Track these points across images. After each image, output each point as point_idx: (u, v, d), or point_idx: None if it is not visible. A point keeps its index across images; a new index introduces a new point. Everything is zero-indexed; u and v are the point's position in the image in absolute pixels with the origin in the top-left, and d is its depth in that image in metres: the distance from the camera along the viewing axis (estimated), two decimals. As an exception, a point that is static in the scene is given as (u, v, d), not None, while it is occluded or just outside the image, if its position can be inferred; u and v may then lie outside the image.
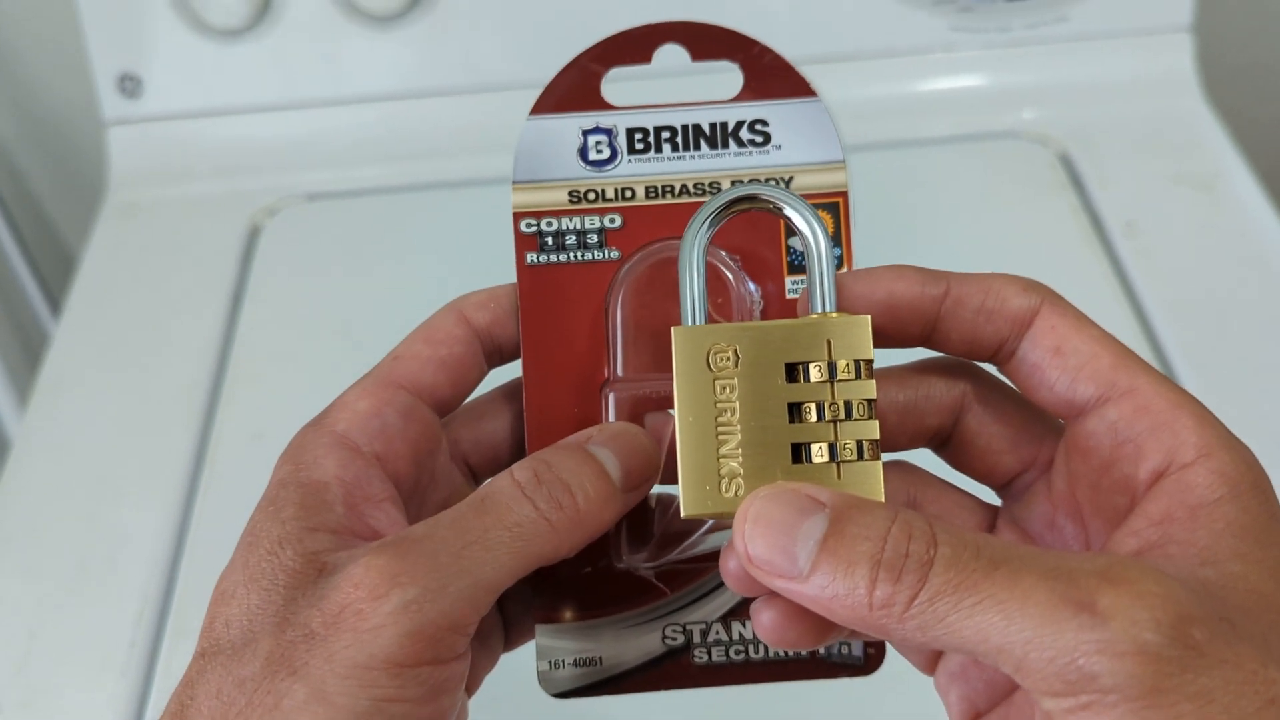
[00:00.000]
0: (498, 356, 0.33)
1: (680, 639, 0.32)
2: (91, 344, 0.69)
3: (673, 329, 0.28)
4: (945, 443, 0.32)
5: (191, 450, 0.62)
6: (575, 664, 0.32)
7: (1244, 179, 0.71)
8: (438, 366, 0.32)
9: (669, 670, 0.32)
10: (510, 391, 0.34)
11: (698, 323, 0.29)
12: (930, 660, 0.31)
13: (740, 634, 0.32)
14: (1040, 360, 0.29)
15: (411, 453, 0.31)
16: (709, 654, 0.32)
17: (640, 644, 0.32)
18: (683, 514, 0.28)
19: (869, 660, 0.32)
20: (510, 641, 0.33)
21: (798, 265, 0.33)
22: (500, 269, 0.72)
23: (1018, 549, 0.24)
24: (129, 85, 0.77)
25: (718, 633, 0.32)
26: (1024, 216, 0.70)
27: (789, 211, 0.29)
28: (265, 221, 0.75)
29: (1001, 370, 0.30)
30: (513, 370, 0.34)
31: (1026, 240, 0.69)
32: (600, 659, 0.32)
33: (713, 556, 0.32)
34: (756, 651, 0.32)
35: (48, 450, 0.64)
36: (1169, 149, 0.73)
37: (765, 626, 0.28)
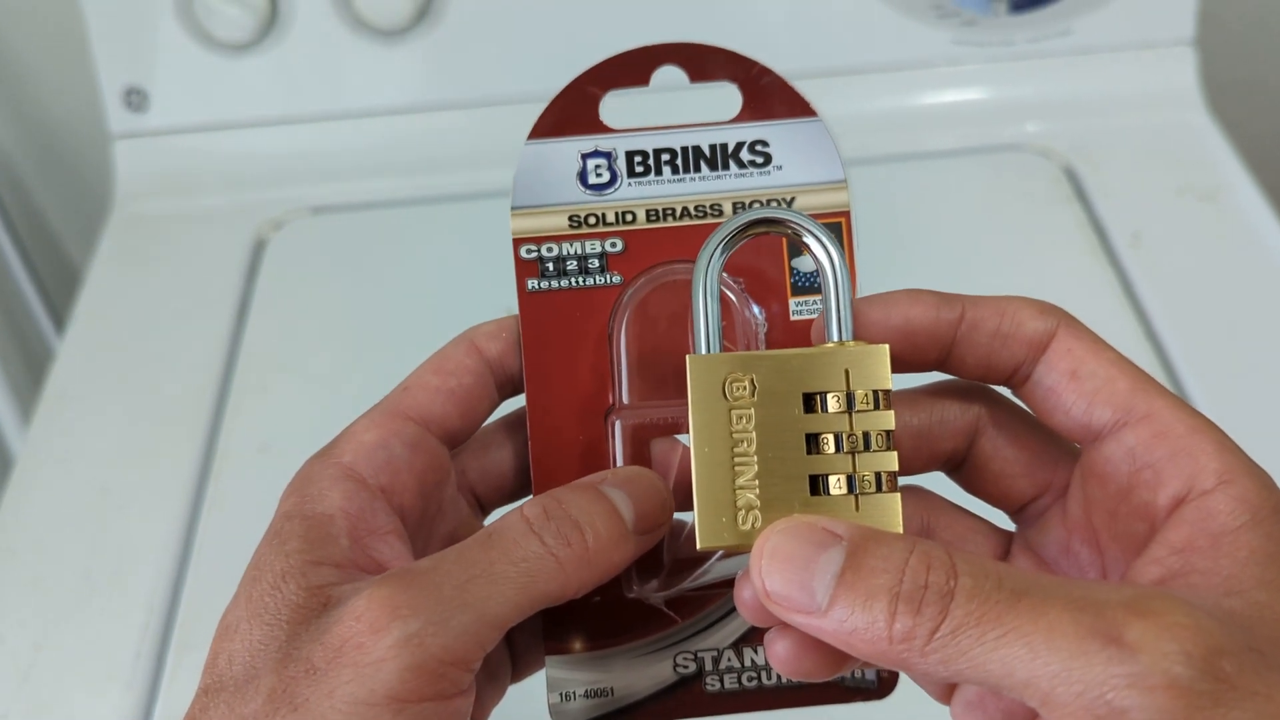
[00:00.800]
0: (510, 387, 0.33)
1: (692, 667, 0.32)
2: (96, 357, 0.69)
3: (688, 357, 0.28)
4: (959, 466, 0.31)
5: (197, 463, 0.62)
6: (586, 695, 0.32)
7: (1247, 190, 0.71)
8: (447, 397, 0.31)
9: (681, 699, 0.32)
10: (516, 421, 0.33)
11: (713, 351, 0.29)
12: (946, 690, 0.31)
13: (752, 660, 0.32)
14: (1056, 384, 0.28)
15: (418, 485, 0.30)
16: (721, 681, 0.32)
17: (652, 673, 0.32)
18: (698, 547, 0.27)
19: (883, 684, 0.32)
20: (518, 673, 0.32)
21: (802, 286, 0.33)
22: (505, 284, 0.72)
23: (1040, 579, 0.24)
24: (135, 99, 0.77)
25: (729, 660, 0.32)
26: (1028, 229, 0.70)
27: (806, 238, 0.29)
28: (271, 235, 0.75)
29: (1016, 394, 0.30)
30: (521, 400, 0.34)
31: (1031, 253, 0.69)
32: (612, 689, 0.32)
33: (724, 584, 0.32)
34: (769, 678, 0.32)
35: (52, 463, 0.63)
36: (1173, 161, 0.73)
37: (780, 657, 0.27)
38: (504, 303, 0.69)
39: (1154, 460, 0.27)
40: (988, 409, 0.31)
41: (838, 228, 0.32)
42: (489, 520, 0.33)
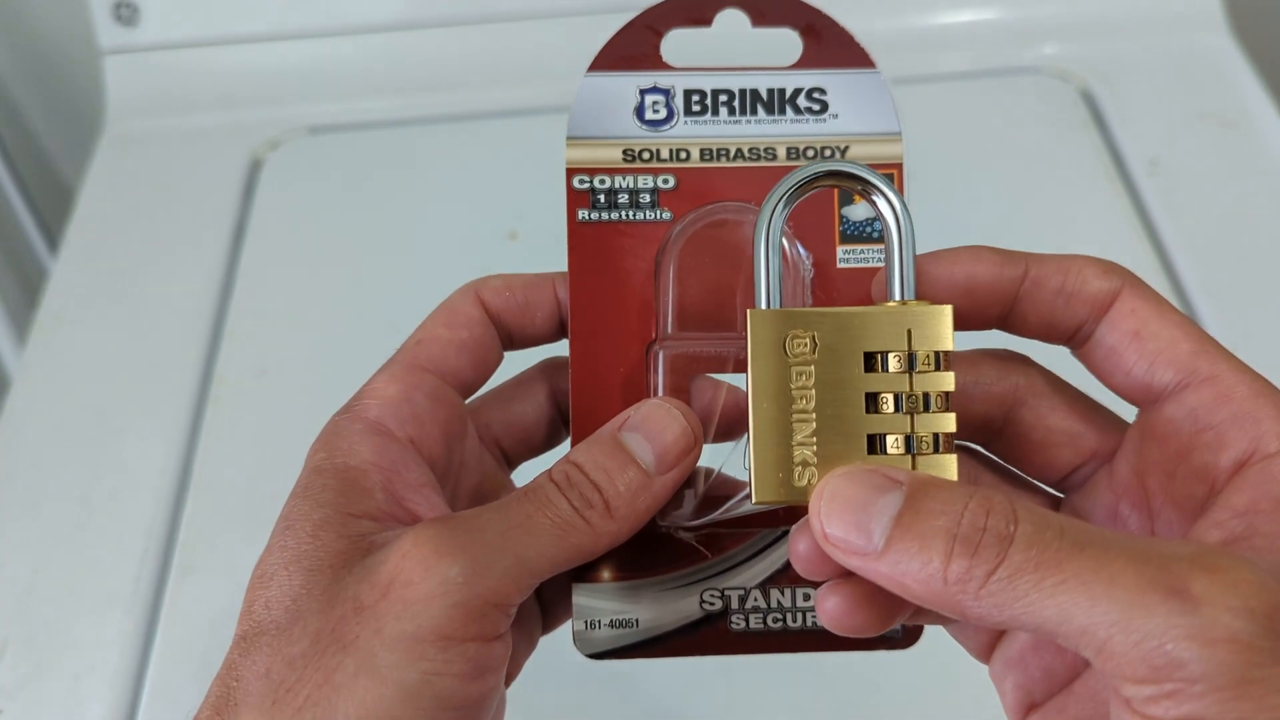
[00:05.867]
0: (508, 342, 0.33)
1: (719, 604, 0.32)
2: (91, 279, 0.68)
3: (749, 312, 0.28)
4: (998, 436, 0.31)
5: (195, 385, 0.62)
6: (611, 625, 0.32)
7: (1269, 116, 0.69)
8: (459, 349, 0.32)
9: (706, 635, 0.32)
10: (538, 375, 0.34)
11: (774, 306, 0.28)
12: (986, 647, 0.31)
13: (779, 602, 0.32)
14: (1118, 344, 0.28)
15: (443, 435, 0.31)
16: (747, 621, 0.32)
17: (678, 607, 0.32)
18: (753, 500, 0.28)
19: (907, 634, 0.32)
20: (547, 625, 0.33)
21: (851, 234, 0.33)
22: (504, 205, 0.71)
23: (1102, 532, 0.24)
24: (125, 12, 0.75)
25: (756, 599, 0.32)
26: (1045, 154, 0.69)
27: (875, 195, 0.29)
28: (267, 154, 0.73)
29: (1076, 354, 0.30)
30: (536, 355, 0.34)
31: (1047, 178, 0.67)
32: (637, 621, 0.32)
33: (754, 519, 0.32)
34: (795, 620, 0.32)
35: (49, 386, 0.63)
36: (1194, 85, 0.71)
37: (830, 613, 0.27)
38: (504, 224, 0.68)
39: (1216, 422, 0.27)
40: (1027, 380, 0.31)
41: (889, 179, 0.33)
42: (515, 473, 0.34)
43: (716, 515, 0.32)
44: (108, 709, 0.50)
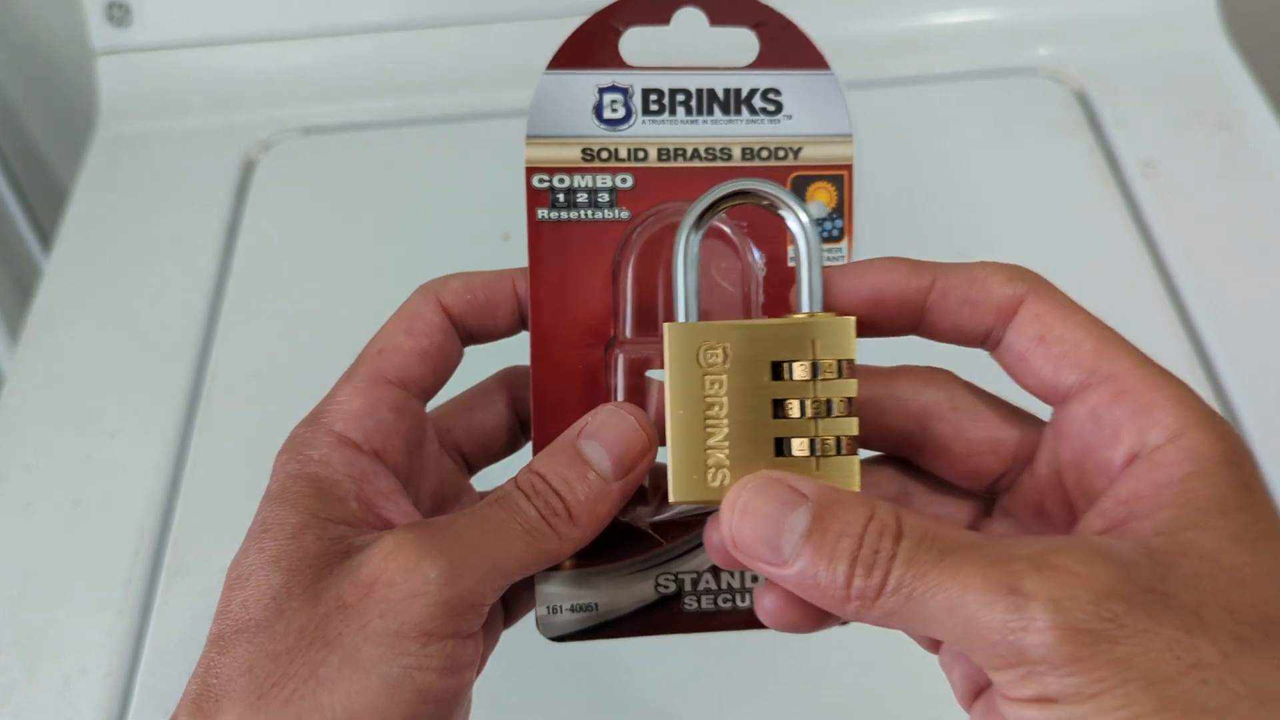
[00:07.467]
0: (468, 339, 0.34)
1: (672, 587, 0.34)
2: (84, 279, 0.68)
3: (665, 325, 0.30)
4: (920, 449, 0.32)
5: (187, 387, 0.62)
6: (572, 609, 0.33)
7: (1265, 118, 0.69)
8: (420, 358, 0.33)
9: (661, 616, 0.34)
10: (499, 383, 0.35)
11: (690, 319, 0.30)
12: (932, 639, 0.32)
13: (729, 583, 0.34)
14: (1025, 349, 0.30)
15: (405, 445, 0.32)
16: (699, 601, 0.34)
17: (634, 591, 0.33)
18: (670, 500, 0.29)
19: None
20: (509, 620, 0.34)
21: None
22: (498, 207, 0.70)
23: (968, 538, 0.26)
24: (117, 13, 0.75)
25: (707, 581, 0.34)
26: (1039, 156, 0.69)
27: (782, 210, 0.30)
28: (260, 156, 0.73)
29: (992, 355, 0.31)
30: (501, 360, 0.35)
31: (1041, 181, 0.67)
32: (596, 605, 0.33)
33: (708, 512, 0.33)
34: (743, 600, 0.34)
35: (41, 386, 0.63)
36: (1189, 87, 0.71)
37: (767, 610, 0.29)
38: (497, 226, 0.68)
39: (1114, 419, 0.28)
40: (946, 394, 0.32)
41: (839, 180, 0.34)
42: (474, 478, 0.36)
43: (675, 512, 0.33)
44: (98, 711, 0.50)
